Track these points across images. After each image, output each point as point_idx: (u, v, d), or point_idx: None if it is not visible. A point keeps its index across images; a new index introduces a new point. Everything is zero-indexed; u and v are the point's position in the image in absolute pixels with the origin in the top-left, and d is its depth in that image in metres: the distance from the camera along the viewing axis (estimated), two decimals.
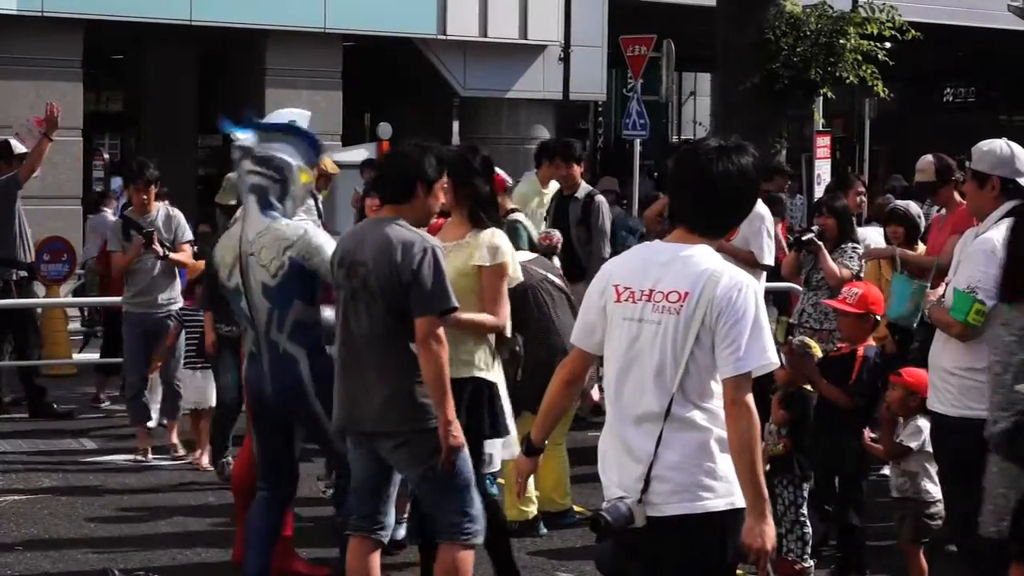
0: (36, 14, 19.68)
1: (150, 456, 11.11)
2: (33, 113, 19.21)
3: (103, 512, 9.68)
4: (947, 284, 7.03)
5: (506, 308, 7.15)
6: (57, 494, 10.14)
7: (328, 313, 7.21)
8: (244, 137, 7.41)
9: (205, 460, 10.81)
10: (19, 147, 13.84)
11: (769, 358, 4.90)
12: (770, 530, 4.87)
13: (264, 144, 7.35)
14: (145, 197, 11.34)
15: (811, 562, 8.11)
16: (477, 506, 6.68)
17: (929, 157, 10.13)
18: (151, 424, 11.39)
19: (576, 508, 9.19)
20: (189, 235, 11.48)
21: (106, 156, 25.24)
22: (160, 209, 11.47)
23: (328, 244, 7.18)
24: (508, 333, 7.33)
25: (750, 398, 4.87)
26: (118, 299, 12.47)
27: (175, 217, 11.49)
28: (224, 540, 8.69)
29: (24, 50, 19.84)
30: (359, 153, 19.57)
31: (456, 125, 26.41)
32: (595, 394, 9.07)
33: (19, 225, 12.75)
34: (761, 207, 10.32)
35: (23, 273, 12.12)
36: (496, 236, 7.19)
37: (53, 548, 8.82)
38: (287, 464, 7.51)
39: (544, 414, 5.42)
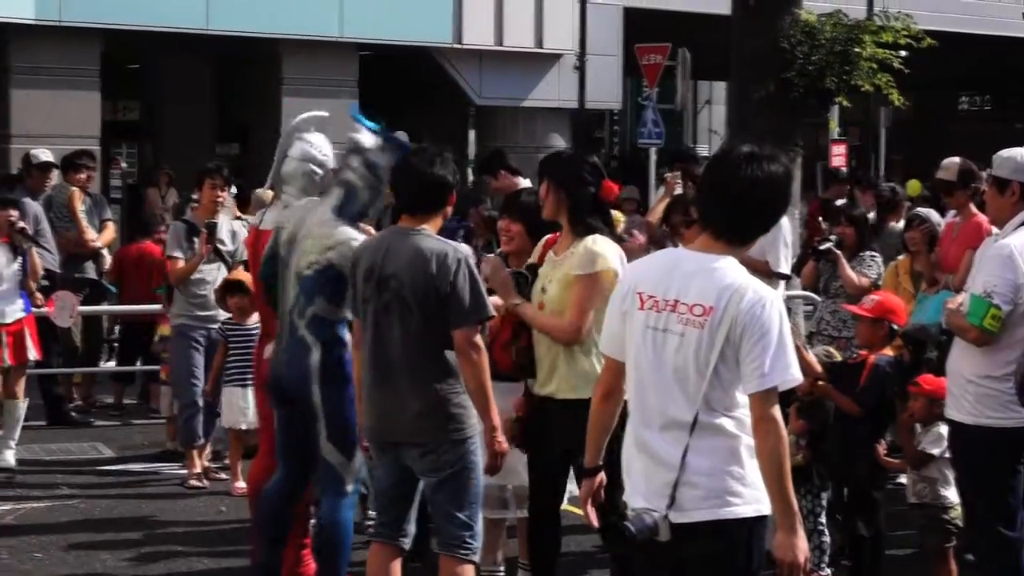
0: (54, 24, 19.76)
1: (204, 481, 10.59)
2: (51, 120, 19.40)
3: (121, 520, 9.71)
4: (966, 291, 7.05)
5: (586, 319, 6.71)
6: (76, 501, 10.17)
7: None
8: (364, 134, 7.47)
9: (241, 483, 9.95)
10: (39, 157, 13.92)
11: (793, 374, 4.87)
12: (802, 543, 4.87)
13: (377, 151, 7.38)
14: (220, 197, 10.71)
15: (828, 571, 8.11)
16: (480, 523, 6.71)
17: (955, 158, 10.17)
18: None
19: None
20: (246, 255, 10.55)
21: (123, 165, 25.31)
22: (223, 220, 10.87)
23: None
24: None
25: (777, 412, 4.86)
26: (137, 308, 12.55)
27: (238, 232, 10.80)
28: (241, 547, 8.70)
29: (42, 60, 19.94)
30: None
31: (472, 134, 26.45)
32: None
33: (45, 235, 12.74)
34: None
35: (45, 281, 12.04)
36: (597, 243, 6.80)
37: (72, 555, 8.85)
38: (304, 447, 7.48)
39: (589, 433, 5.39)
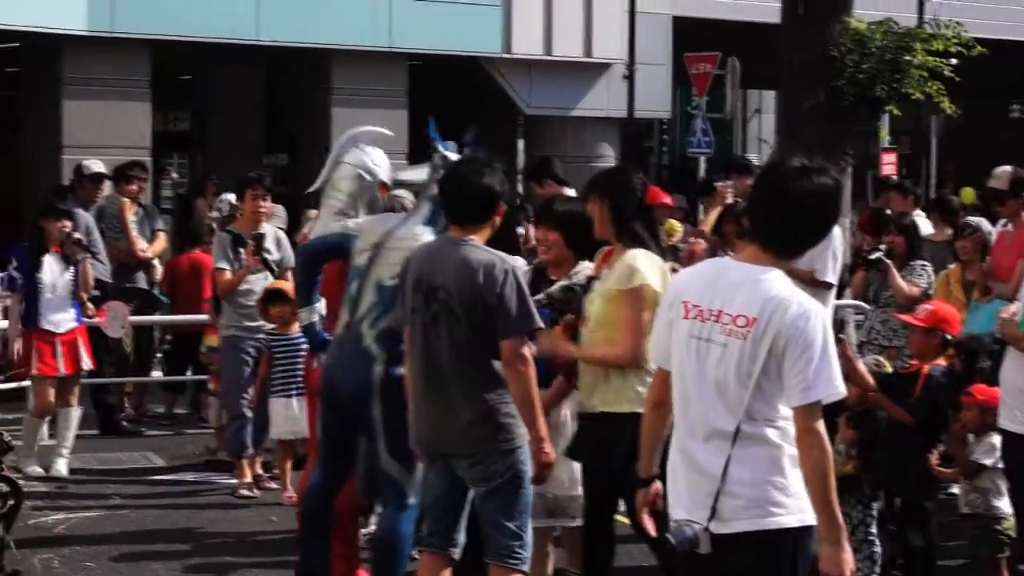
0: (105, 35, 19.86)
1: (255, 491, 10.61)
2: (102, 131, 19.50)
3: (172, 529, 9.75)
4: (1019, 300, 7.01)
5: (639, 339, 6.61)
6: (127, 511, 10.22)
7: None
8: (450, 152, 7.53)
9: (290, 492, 10.07)
10: (90, 168, 14.01)
11: (837, 387, 4.85)
12: (848, 557, 4.85)
13: None
14: (263, 207, 10.69)
15: None
16: (530, 533, 6.70)
17: (1007, 167, 10.13)
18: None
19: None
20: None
21: (174, 175, 25.43)
22: (269, 229, 10.89)
23: None
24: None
25: (820, 425, 4.83)
26: (186, 317, 12.60)
27: (283, 240, 10.85)
28: (292, 557, 8.70)
29: (93, 71, 20.02)
30: (425, 172, 19.56)
31: (521, 143, 26.43)
32: None
33: (97, 246, 12.78)
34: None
35: (96, 292, 12.10)
36: (637, 259, 6.73)
37: (123, 565, 8.89)
38: (344, 451, 7.51)
39: (642, 442, 5.39)
